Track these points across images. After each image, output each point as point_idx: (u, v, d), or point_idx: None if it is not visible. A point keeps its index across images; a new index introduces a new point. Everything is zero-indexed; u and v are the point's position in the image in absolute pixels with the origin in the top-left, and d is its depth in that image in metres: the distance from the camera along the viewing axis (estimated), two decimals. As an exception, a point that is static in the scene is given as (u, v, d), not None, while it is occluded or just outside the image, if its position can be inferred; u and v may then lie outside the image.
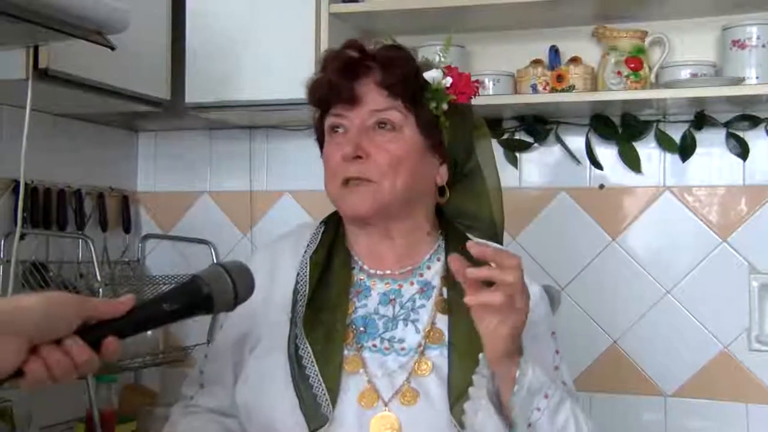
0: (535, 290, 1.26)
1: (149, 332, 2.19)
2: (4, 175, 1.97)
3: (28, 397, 1.96)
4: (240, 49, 2.05)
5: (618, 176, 2.14)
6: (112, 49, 1.54)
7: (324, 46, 2.01)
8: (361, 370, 1.15)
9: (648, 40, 1.98)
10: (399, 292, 1.23)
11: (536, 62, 2.08)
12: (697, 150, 2.08)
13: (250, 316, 1.21)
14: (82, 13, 1.43)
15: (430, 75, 1.22)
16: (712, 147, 2.08)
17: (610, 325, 2.13)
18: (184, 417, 1.25)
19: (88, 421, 1.99)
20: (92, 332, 0.90)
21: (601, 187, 2.16)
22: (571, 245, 2.15)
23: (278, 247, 1.30)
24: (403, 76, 1.19)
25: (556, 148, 2.18)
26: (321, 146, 1.29)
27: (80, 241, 2.13)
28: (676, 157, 2.09)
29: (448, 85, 1.24)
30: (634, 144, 2.11)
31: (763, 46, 1.90)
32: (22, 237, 1.87)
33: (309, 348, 1.15)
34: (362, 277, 1.24)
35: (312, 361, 1.14)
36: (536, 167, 2.21)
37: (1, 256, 1.93)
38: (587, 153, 2.15)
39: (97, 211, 2.28)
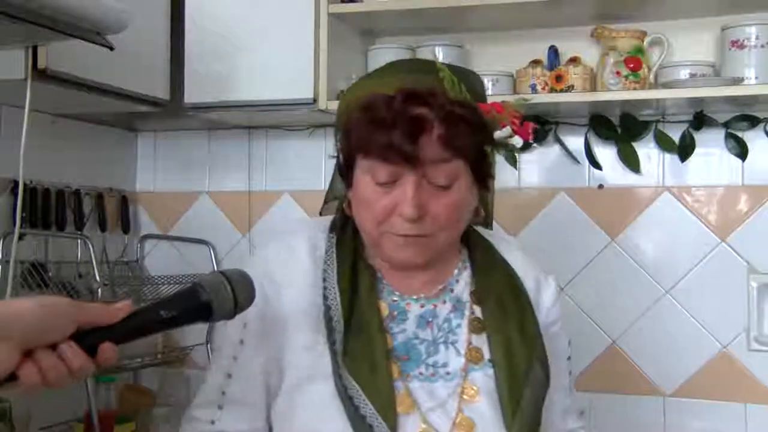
0: (552, 284, 1.28)
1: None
2: (3, 175, 1.97)
3: (26, 398, 1.96)
4: (239, 50, 2.05)
5: (617, 176, 2.14)
6: (111, 49, 1.54)
7: (323, 46, 2.01)
8: (415, 410, 1.12)
9: (647, 40, 1.98)
10: (434, 312, 1.19)
11: (535, 62, 2.08)
12: (696, 150, 2.08)
13: (272, 327, 1.16)
14: (81, 14, 1.43)
15: (500, 135, 1.16)
16: (711, 147, 2.08)
17: (609, 325, 2.13)
18: None
19: (86, 421, 1.99)
20: (88, 338, 0.88)
21: (600, 187, 2.16)
22: (571, 245, 2.15)
23: (292, 253, 1.19)
24: (469, 136, 1.11)
25: (556, 149, 2.18)
26: (346, 170, 1.18)
27: (79, 241, 2.13)
28: (675, 158, 2.10)
29: (517, 144, 1.19)
30: (633, 144, 2.11)
31: (762, 46, 1.90)
32: (21, 237, 1.87)
33: (356, 385, 1.09)
34: (395, 299, 1.19)
35: (364, 399, 1.09)
36: (535, 167, 2.21)
37: (0, 256, 1.93)
38: (586, 153, 2.15)
39: (96, 211, 2.28)
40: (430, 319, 1.19)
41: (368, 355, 1.12)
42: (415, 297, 1.19)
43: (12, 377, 0.84)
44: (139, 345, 2.17)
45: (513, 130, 1.16)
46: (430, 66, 1.17)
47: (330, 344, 1.12)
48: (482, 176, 1.16)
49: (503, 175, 2.20)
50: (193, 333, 2.40)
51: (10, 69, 1.65)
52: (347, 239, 1.20)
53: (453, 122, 1.09)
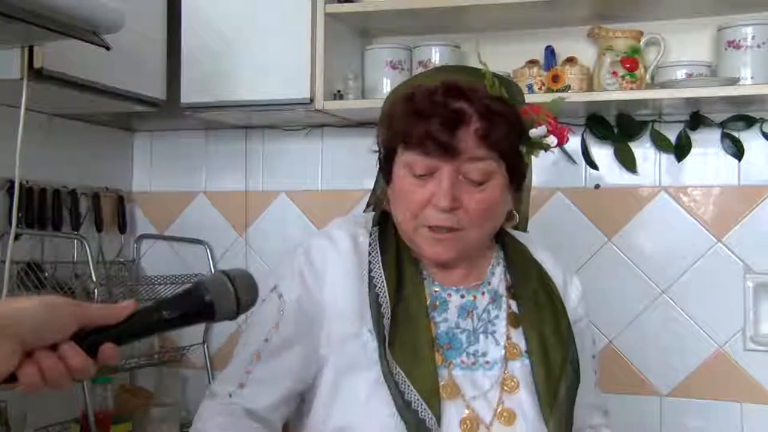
0: (578, 285, 1.32)
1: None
2: (0, 174, 1.97)
3: (23, 398, 1.96)
4: (236, 50, 2.05)
5: (613, 176, 2.14)
6: (108, 49, 1.54)
7: (320, 46, 2.01)
8: (459, 396, 1.15)
9: (643, 40, 1.98)
10: (474, 303, 1.22)
11: (532, 62, 2.09)
12: (693, 150, 2.08)
13: (314, 315, 1.17)
14: (77, 13, 1.43)
15: (536, 133, 1.18)
16: (707, 147, 2.08)
17: (606, 325, 2.14)
18: (217, 415, 1.19)
19: (83, 421, 1.99)
20: (89, 338, 0.88)
21: (597, 187, 2.16)
22: (567, 245, 2.15)
23: (335, 248, 1.21)
24: (506, 132, 1.14)
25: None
26: (385, 164, 1.22)
27: (75, 241, 2.13)
28: (672, 157, 2.10)
29: (552, 143, 1.21)
30: (630, 144, 2.12)
31: (758, 46, 1.90)
32: (17, 237, 1.87)
33: (401, 371, 1.12)
34: (437, 290, 1.22)
35: (408, 385, 1.11)
36: (532, 167, 2.20)
37: (-4, 256, 1.92)
38: (583, 153, 2.15)
39: (92, 211, 2.28)
40: (471, 310, 1.22)
41: (413, 343, 1.14)
42: (455, 288, 1.22)
43: (12, 377, 0.84)
44: (136, 345, 2.17)
45: (548, 130, 1.19)
46: (475, 69, 1.20)
47: (377, 331, 1.15)
48: (517, 177, 1.19)
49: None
50: (189, 333, 2.40)
51: (6, 69, 1.65)
52: (389, 232, 1.23)
53: (491, 117, 1.12)
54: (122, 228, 2.39)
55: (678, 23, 2.05)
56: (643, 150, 2.12)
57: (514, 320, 1.22)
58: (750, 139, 2.05)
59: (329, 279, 1.19)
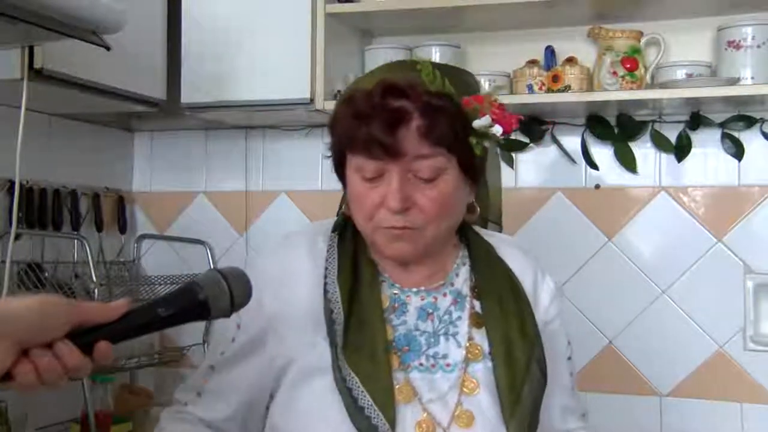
0: (551, 285, 1.29)
1: (144, 333, 2.19)
2: (0, 175, 1.97)
3: (23, 398, 1.96)
4: (236, 50, 2.05)
5: (614, 176, 2.14)
6: (108, 49, 1.54)
7: (320, 46, 2.01)
8: (415, 399, 1.13)
9: (643, 40, 1.98)
10: (435, 305, 1.20)
11: (532, 62, 2.09)
12: (693, 150, 2.08)
13: (269, 330, 1.17)
14: (77, 13, 1.42)
15: (479, 123, 1.14)
16: (707, 147, 2.08)
17: (606, 325, 2.14)
18: (173, 423, 1.22)
19: (83, 421, 1.99)
20: (84, 336, 0.88)
21: (597, 187, 2.16)
22: (567, 245, 2.15)
23: (291, 254, 1.22)
24: (448, 127, 1.11)
25: (552, 149, 2.18)
26: (338, 169, 1.21)
27: (76, 241, 2.13)
28: (672, 157, 2.10)
29: (497, 132, 1.17)
30: (630, 144, 2.12)
31: (758, 46, 1.90)
32: (17, 237, 1.86)
33: (355, 377, 1.11)
34: (396, 292, 1.20)
35: (362, 391, 1.10)
36: (532, 167, 2.21)
37: (-3, 256, 1.92)
38: (583, 153, 2.15)
39: (92, 211, 2.28)
40: (431, 311, 1.20)
41: (368, 347, 1.13)
42: (415, 289, 1.21)
43: (7, 376, 0.84)
44: (136, 345, 2.17)
45: (493, 119, 1.15)
46: (411, 63, 1.17)
47: (330, 337, 1.14)
48: (470, 170, 1.16)
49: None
50: (189, 333, 2.40)
51: (6, 69, 1.65)
52: (348, 237, 1.22)
53: (431, 113, 1.10)
54: (122, 228, 2.39)
55: (678, 23, 2.05)
56: (643, 150, 2.12)
57: (476, 321, 1.20)
58: (750, 139, 2.05)
59: (287, 292, 1.18)
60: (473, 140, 1.14)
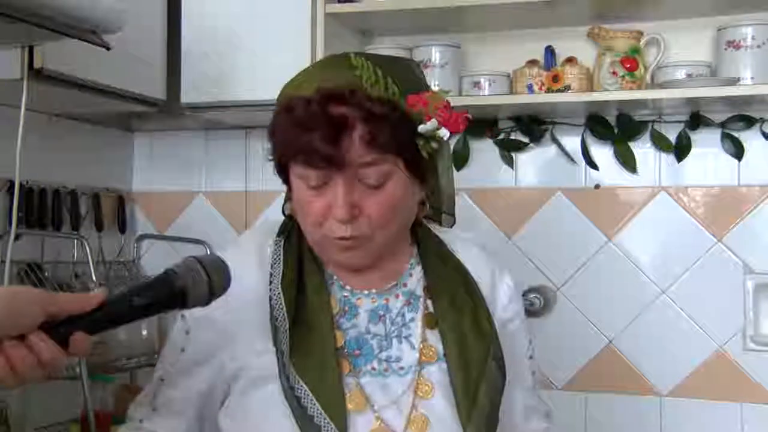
0: (510, 283, 1.25)
1: (144, 332, 2.18)
2: (0, 175, 1.97)
3: (23, 398, 1.96)
4: (236, 49, 2.05)
5: (613, 176, 2.14)
6: (108, 48, 1.54)
7: (320, 46, 2.01)
8: (368, 407, 1.10)
9: (643, 40, 1.98)
10: (387, 307, 1.17)
11: (532, 62, 2.09)
12: (693, 150, 2.08)
13: (218, 339, 1.14)
14: (77, 13, 1.42)
15: (425, 128, 1.10)
16: (707, 147, 2.08)
17: (606, 325, 2.14)
18: None
19: (82, 421, 1.99)
20: (59, 328, 0.86)
21: (597, 187, 2.16)
22: (567, 245, 2.15)
23: (239, 261, 1.13)
24: (392, 134, 1.06)
25: (552, 149, 2.18)
26: (281, 173, 1.16)
27: (75, 241, 2.13)
28: (672, 158, 2.10)
29: (444, 135, 1.11)
30: (630, 144, 2.12)
31: (758, 46, 1.90)
32: (17, 237, 1.86)
33: (303, 385, 1.07)
34: (346, 295, 1.16)
35: (311, 399, 1.06)
36: (532, 167, 2.21)
37: (-4, 256, 1.92)
38: (583, 153, 2.15)
39: (92, 211, 2.28)
40: (382, 313, 1.16)
41: (317, 353, 1.09)
42: (366, 292, 1.17)
43: None
44: (136, 345, 2.17)
45: (440, 122, 1.10)
46: (348, 61, 1.11)
47: (275, 345, 1.10)
48: (418, 171, 1.12)
49: (499, 175, 2.21)
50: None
51: (6, 69, 1.65)
52: (294, 240, 1.18)
53: (373, 121, 1.05)
54: (122, 228, 2.39)
55: (678, 23, 2.05)
56: (643, 150, 2.12)
57: (430, 321, 1.16)
58: (750, 139, 2.05)
59: (234, 299, 1.09)
60: (420, 142, 1.10)
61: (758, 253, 2.04)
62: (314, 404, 1.06)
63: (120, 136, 2.48)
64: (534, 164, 2.21)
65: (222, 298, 1.08)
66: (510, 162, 2.20)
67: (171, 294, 0.93)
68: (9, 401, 1.84)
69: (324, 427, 1.06)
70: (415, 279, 1.20)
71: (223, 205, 2.45)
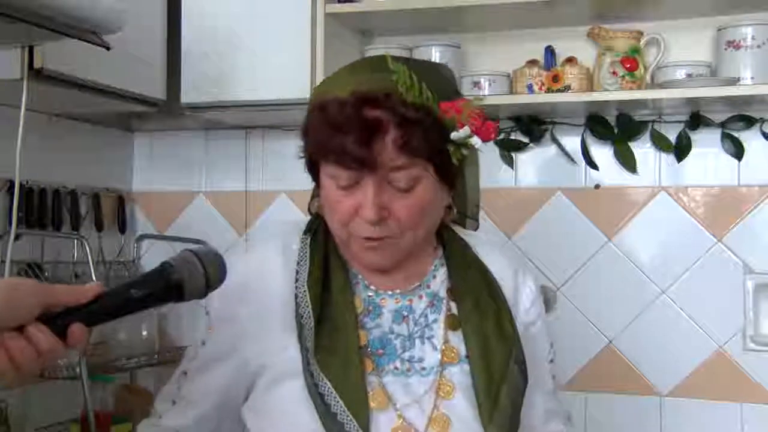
0: (532, 287, 1.27)
1: (144, 332, 2.19)
2: (0, 175, 1.97)
3: (23, 398, 1.96)
4: (236, 49, 2.05)
5: (613, 176, 2.14)
6: (108, 48, 1.54)
7: (320, 46, 2.01)
8: (389, 406, 1.11)
9: (643, 40, 1.98)
10: (410, 308, 1.18)
11: (532, 62, 2.09)
12: (693, 150, 2.08)
13: (241, 336, 1.16)
14: (78, 13, 1.42)
15: (457, 135, 1.11)
16: (707, 147, 2.08)
17: (606, 325, 2.14)
18: None
19: (83, 421, 1.99)
20: (56, 319, 0.87)
21: (597, 187, 2.16)
22: (567, 245, 2.15)
23: (265, 257, 1.19)
24: (425, 139, 1.08)
25: (552, 148, 2.18)
26: (311, 170, 1.18)
27: (75, 241, 2.13)
28: (672, 157, 2.10)
29: (476, 143, 1.14)
30: (630, 144, 2.12)
31: (758, 46, 1.90)
32: (17, 237, 1.86)
33: (327, 382, 1.09)
34: (370, 294, 1.18)
35: (335, 396, 1.08)
36: (532, 167, 2.21)
37: (-4, 256, 1.92)
38: (583, 153, 2.15)
39: (92, 211, 2.28)
40: (406, 314, 1.18)
41: (340, 351, 1.11)
42: (390, 292, 1.19)
43: None
44: (136, 345, 2.17)
45: (472, 130, 1.12)
46: (384, 65, 1.12)
47: (300, 342, 1.12)
48: (447, 177, 1.13)
49: (499, 175, 2.21)
50: (190, 333, 2.40)
51: (6, 69, 1.65)
52: (320, 238, 1.19)
53: (407, 125, 1.07)
54: (122, 228, 2.39)
55: (678, 23, 2.05)
56: (643, 150, 2.12)
57: (453, 322, 1.17)
58: (750, 139, 2.05)
59: (257, 293, 1.16)
60: (450, 148, 1.11)
61: (758, 253, 2.04)
62: (337, 401, 1.08)
63: (120, 136, 2.48)
64: (534, 164, 2.21)
65: (246, 294, 1.13)
66: (510, 162, 2.20)
67: (167, 286, 0.94)
68: (9, 401, 1.84)
69: (347, 424, 1.07)
70: (439, 281, 1.21)
71: (223, 205, 2.45)
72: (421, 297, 1.20)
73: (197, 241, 2.38)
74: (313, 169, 1.17)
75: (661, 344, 2.10)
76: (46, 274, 2.05)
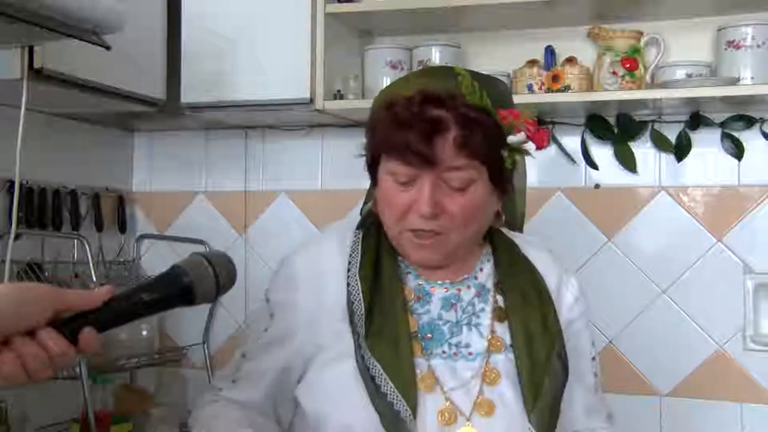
0: (575, 285, 1.32)
1: (144, 332, 2.19)
2: (0, 175, 1.97)
3: (23, 398, 1.96)
4: (236, 49, 2.05)
5: (613, 176, 2.14)
6: (108, 48, 1.54)
7: (320, 46, 2.01)
8: (437, 388, 1.16)
9: (643, 40, 1.98)
10: (458, 296, 1.24)
11: (532, 62, 2.09)
12: (693, 150, 2.08)
13: (300, 321, 1.22)
14: (78, 13, 1.42)
15: (514, 139, 1.18)
16: (707, 147, 2.08)
17: (606, 324, 2.14)
18: (208, 405, 1.27)
19: (83, 421, 1.99)
20: (68, 324, 0.86)
21: (597, 187, 2.16)
22: (567, 245, 2.15)
23: (322, 250, 1.27)
24: (484, 140, 1.15)
25: (552, 148, 2.18)
26: (371, 169, 1.24)
27: (75, 241, 2.13)
28: (672, 157, 2.10)
29: (531, 149, 1.22)
30: (630, 144, 2.12)
31: (758, 46, 1.90)
32: (17, 237, 1.86)
33: (377, 364, 1.14)
34: (420, 283, 1.24)
35: (385, 378, 1.13)
36: (532, 167, 2.18)
37: (-4, 256, 1.92)
38: (583, 153, 2.15)
39: (92, 211, 2.28)
40: (454, 302, 1.23)
41: (391, 335, 1.16)
42: (439, 281, 1.24)
43: None
44: (136, 345, 2.17)
45: (527, 136, 1.19)
46: (450, 70, 1.21)
47: (352, 327, 1.18)
48: (500, 182, 1.20)
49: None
50: (189, 333, 2.40)
51: (6, 69, 1.65)
52: (372, 233, 1.26)
53: (469, 125, 1.13)
54: (122, 228, 2.39)
55: (678, 23, 2.05)
56: (643, 150, 2.12)
57: (499, 314, 1.23)
58: (750, 139, 2.05)
59: (317, 286, 1.23)
60: (505, 153, 1.18)
61: (758, 253, 2.04)
62: (387, 383, 1.13)
63: (120, 136, 2.48)
64: (534, 164, 2.18)
65: (306, 287, 1.21)
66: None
67: (178, 291, 0.94)
68: (9, 401, 1.84)
69: (396, 404, 1.12)
70: (486, 273, 1.27)
71: (223, 205, 2.45)
72: (468, 287, 1.25)
73: (197, 241, 2.38)
74: (372, 168, 1.23)
75: (661, 344, 2.10)
76: (46, 273, 2.05)
